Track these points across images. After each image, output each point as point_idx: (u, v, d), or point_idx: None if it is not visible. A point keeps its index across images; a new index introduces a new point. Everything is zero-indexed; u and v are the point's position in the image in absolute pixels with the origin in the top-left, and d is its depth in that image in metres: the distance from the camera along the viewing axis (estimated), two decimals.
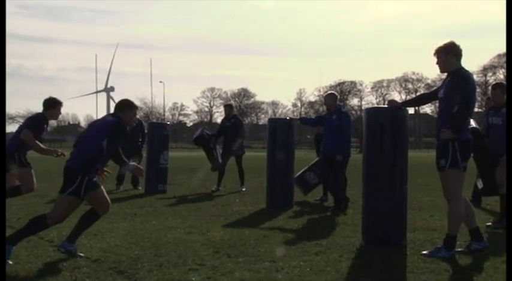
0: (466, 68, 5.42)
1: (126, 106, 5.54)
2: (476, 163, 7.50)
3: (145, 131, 12.51)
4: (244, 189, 11.90)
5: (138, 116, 13.17)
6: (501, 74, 76.33)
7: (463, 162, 5.26)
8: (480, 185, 7.12)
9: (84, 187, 5.14)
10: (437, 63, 5.46)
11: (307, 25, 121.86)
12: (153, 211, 8.61)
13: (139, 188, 12.05)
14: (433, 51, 5.44)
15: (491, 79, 76.77)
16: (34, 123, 7.48)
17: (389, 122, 5.82)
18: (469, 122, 5.57)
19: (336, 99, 9.19)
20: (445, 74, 5.49)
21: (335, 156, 8.74)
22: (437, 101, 5.57)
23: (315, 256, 5.26)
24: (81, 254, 5.22)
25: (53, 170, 15.69)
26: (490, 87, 7.44)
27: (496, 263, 4.97)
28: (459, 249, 5.40)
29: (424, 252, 5.34)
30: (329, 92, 9.89)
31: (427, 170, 19.50)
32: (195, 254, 5.31)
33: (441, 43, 5.43)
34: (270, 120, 10.00)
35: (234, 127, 11.96)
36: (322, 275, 4.51)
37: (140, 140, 12.36)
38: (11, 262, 4.82)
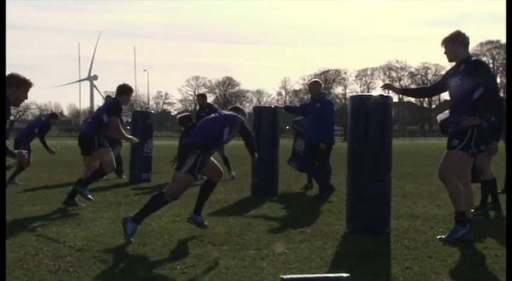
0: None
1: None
2: None
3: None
4: (234, 174, 11.85)
5: None
6: None
7: (475, 148, 5.34)
8: None
9: (199, 166, 5.50)
10: (444, 53, 5.53)
11: (291, 13, 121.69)
12: (138, 199, 8.57)
13: (124, 177, 12.00)
14: (440, 42, 5.54)
15: None
16: (117, 109, 8.00)
17: (373, 110, 5.83)
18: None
19: (320, 87, 9.19)
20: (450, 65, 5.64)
21: (319, 144, 8.76)
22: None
23: (300, 243, 5.28)
24: (206, 224, 5.88)
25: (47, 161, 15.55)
26: None
27: (479, 249, 5.02)
28: (442, 236, 5.44)
29: (442, 237, 5.38)
30: (313, 80, 9.89)
31: (411, 158, 19.65)
32: (179, 243, 5.30)
33: (447, 33, 5.50)
34: (255, 108, 10.00)
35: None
36: (306, 263, 4.53)
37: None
38: (133, 240, 5.23)
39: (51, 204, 7.91)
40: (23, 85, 5.39)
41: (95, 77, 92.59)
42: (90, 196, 7.73)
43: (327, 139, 8.80)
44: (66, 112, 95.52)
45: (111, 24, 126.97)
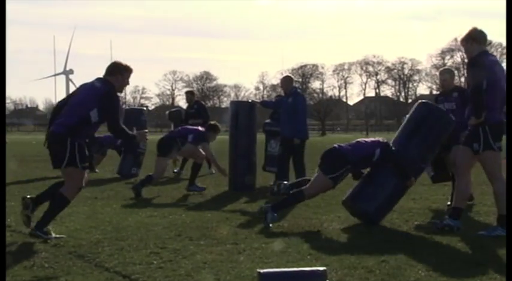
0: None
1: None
2: None
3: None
4: (214, 171, 11.81)
5: None
6: (458, 57, 77.94)
7: (496, 143, 5.36)
8: (430, 173, 7.15)
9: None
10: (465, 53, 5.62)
11: (268, 7, 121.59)
12: (115, 194, 8.51)
13: (97, 171, 11.88)
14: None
15: (449, 62, 78.26)
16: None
17: None
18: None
19: (291, 82, 9.21)
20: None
21: (292, 139, 8.77)
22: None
23: (277, 237, 5.30)
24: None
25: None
26: (438, 73, 7.53)
27: (453, 242, 5.09)
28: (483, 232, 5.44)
29: (482, 232, 5.39)
30: (285, 75, 9.88)
31: None
32: (156, 238, 5.28)
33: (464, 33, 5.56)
34: (232, 103, 9.95)
35: (197, 113, 11.92)
36: (283, 257, 4.55)
37: None
38: (271, 225, 5.67)
39: None
40: (126, 72, 5.53)
41: (71, 71, 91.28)
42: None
43: (299, 134, 8.81)
44: (41, 107, 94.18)
45: (87, 17, 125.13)
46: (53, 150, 5.33)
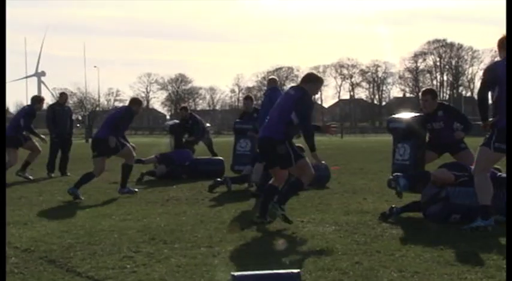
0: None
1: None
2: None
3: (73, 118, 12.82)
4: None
5: (71, 103, 13.09)
6: (431, 61, 79.09)
7: (496, 143, 5.52)
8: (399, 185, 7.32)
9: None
10: None
11: (243, 10, 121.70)
12: (88, 198, 8.40)
13: (69, 174, 11.73)
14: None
15: (422, 65, 79.43)
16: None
17: None
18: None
19: (272, 84, 9.23)
20: None
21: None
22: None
23: (252, 240, 5.29)
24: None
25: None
26: (420, 94, 7.58)
27: (425, 243, 5.14)
28: (465, 226, 5.60)
29: (464, 227, 5.57)
30: (270, 76, 9.95)
31: (362, 154, 19.97)
32: (130, 241, 5.23)
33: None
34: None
35: (191, 129, 12.12)
36: (258, 260, 4.54)
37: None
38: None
39: None
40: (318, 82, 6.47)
41: (43, 73, 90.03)
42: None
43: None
44: (12, 109, 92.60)
45: (60, 19, 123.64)
46: (273, 153, 6.04)
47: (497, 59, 5.86)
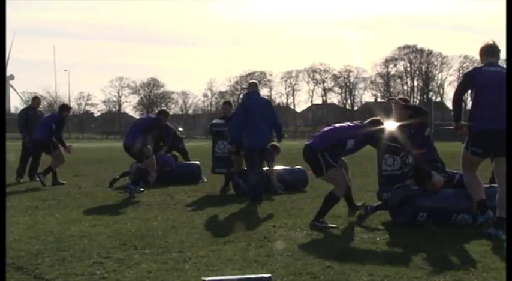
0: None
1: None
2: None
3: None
4: (205, 180, 11.53)
5: (41, 107, 13.08)
6: (401, 66, 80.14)
7: (472, 147, 5.68)
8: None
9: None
10: None
11: (215, 14, 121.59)
12: (57, 204, 8.27)
13: (37, 179, 11.53)
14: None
15: (393, 70, 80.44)
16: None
17: None
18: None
19: (251, 88, 9.22)
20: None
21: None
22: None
23: (224, 245, 5.27)
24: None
25: None
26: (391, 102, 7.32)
27: (395, 247, 5.20)
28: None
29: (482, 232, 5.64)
30: (251, 81, 10.13)
31: None
32: (100, 247, 5.16)
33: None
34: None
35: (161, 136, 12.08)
36: (229, 264, 4.53)
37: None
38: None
39: None
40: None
41: (11, 77, 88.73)
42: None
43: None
44: None
45: (28, 22, 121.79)
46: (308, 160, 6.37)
47: (476, 65, 6.06)
